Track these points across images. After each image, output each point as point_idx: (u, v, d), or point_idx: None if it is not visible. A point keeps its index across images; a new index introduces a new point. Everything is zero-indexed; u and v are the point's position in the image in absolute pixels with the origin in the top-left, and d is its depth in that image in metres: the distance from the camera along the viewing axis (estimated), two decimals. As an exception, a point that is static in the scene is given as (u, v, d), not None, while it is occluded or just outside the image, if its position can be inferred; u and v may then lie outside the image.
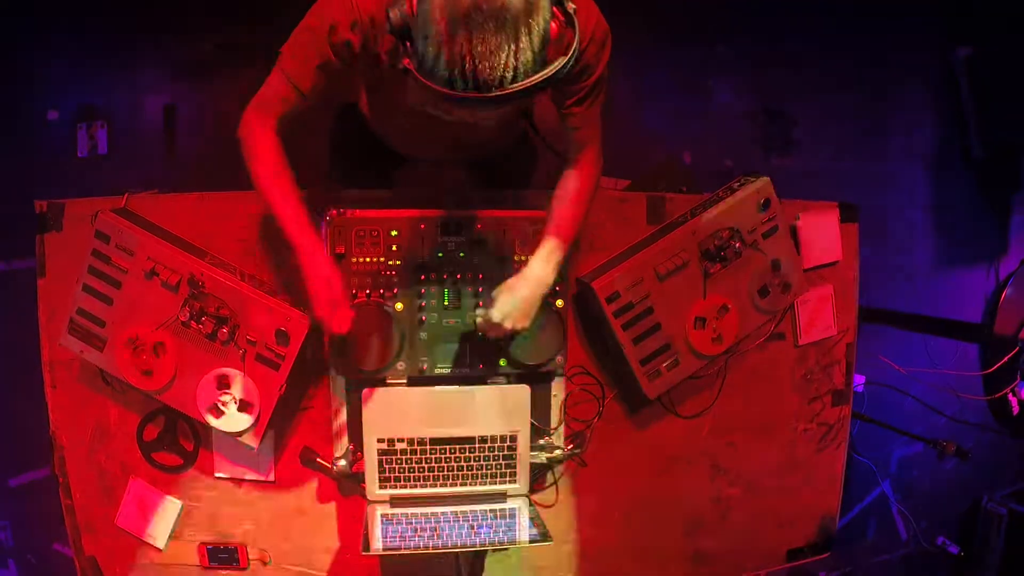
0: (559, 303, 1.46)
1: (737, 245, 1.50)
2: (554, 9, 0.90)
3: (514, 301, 1.28)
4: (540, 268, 1.28)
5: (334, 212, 1.40)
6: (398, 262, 1.42)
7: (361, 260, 1.41)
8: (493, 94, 0.87)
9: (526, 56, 0.86)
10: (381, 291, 1.42)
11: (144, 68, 2.43)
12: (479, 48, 0.84)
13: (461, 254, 1.44)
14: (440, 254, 1.43)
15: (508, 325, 1.28)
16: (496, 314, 1.28)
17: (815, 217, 1.64)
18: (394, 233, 1.41)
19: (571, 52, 0.91)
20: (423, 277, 1.43)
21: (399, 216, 1.42)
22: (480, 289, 1.44)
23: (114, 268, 1.36)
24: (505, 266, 1.44)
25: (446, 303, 1.44)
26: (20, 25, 2.37)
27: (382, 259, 1.41)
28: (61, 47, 2.40)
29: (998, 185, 2.83)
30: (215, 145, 2.36)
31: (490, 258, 1.45)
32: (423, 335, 1.44)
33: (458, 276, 1.44)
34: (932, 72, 2.78)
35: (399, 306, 1.42)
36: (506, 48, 0.85)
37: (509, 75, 0.86)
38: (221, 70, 2.38)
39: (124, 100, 2.43)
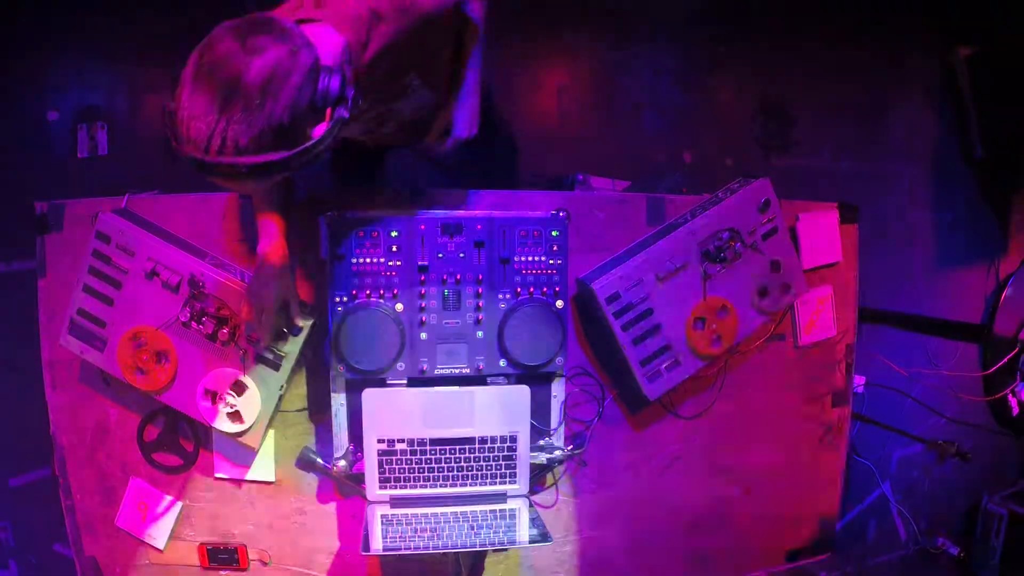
0: (559, 303, 1.46)
1: (737, 246, 1.50)
2: (328, 110, 0.90)
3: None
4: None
5: (334, 212, 1.40)
6: (398, 262, 1.42)
7: (361, 260, 1.41)
8: (206, 159, 0.86)
9: (238, 132, 0.84)
10: (381, 291, 1.42)
11: (144, 68, 2.44)
12: (196, 108, 0.84)
13: (461, 254, 1.44)
14: (440, 254, 1.43)
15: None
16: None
17: (815, 217, 1.64)
18: (394, 233, 1.41)
19: (297, 151, 0.89)
20: (423, 277, 1.43)
21: (399, 216, 1.42)
22: (480, 289, 1.44)
23: (114, 268, 1.36)
24: (505, 266, 1.44)
25: (446, 303, 1.44)
26: (20, 25, 2.37)
27: (382, 259, 1.42)
28: (61, 47, 2.40)
29: (998, 185, 2.82)
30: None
31: (490, 258, 1.45)
32: (423, 335, 1.44)
33: (458, 276, 1.44)
34: (932, 72, 2.78)
35: (399, 306, 1.42)
36: (216, 116, 0.84)
37: (216, 143, 0.85)
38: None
39: (124, 100, 2.43)
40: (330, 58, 0.94)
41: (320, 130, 0.91)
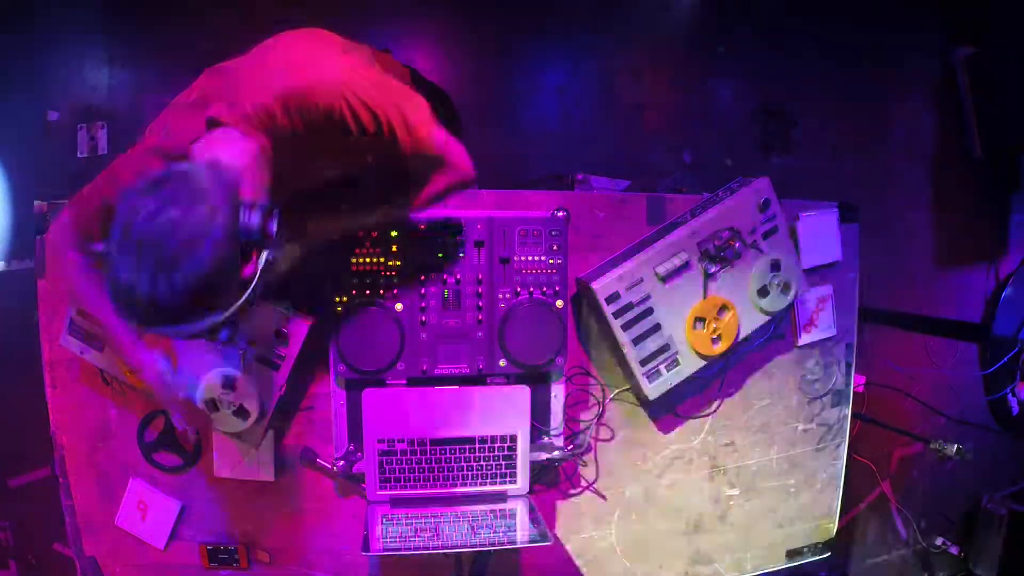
0: (559, 303, 1.46)
1: (737, 245, 1.50)
2: (252, 253, 0.90)
3: None
4: None
5: (334, 212, 1.40)
6: (398, 262, 1.42)
7: (361, 260, 1.41)
8: (146, 325, 0.87)
9: (169, 299, 0.84)
10: (381, 291, 1.42)
11: (144, 68, 2.44)
12: (137, 274, 0.83)
13: (461, 254, 1.44)
14: (440, 254, 1.43)
15: None
16: None
17: (815, 217, 1.64)
18: (394, 233, 1.41)
19: (233, 308, 0.90)
20: (423, 277, 1.43)
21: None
22: (480, 289, 1.44)
23: (114, 268, 1.35)
24: (505, 266, 1.44)
25: (446, 303, 1.44)
26: (20, 25, 2.37)
27: (382, 259, 1.41)
28: (61, 47, 2.40)
29: (998, 185, 2.82)
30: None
31: (490, 258, 1.45)
32: (423, 335, 1.44)
33: (458, 276, 1.44)
34: (932, 72, 2.78)
35: (399, 306, 1.42)
36: (150, 278, 0.83)
37: (151, 312, 0.85)
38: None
39: (124, 100, 2.43)
40: (248, 186, 0.93)
41: (248, 271, 0.91)
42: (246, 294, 0.91)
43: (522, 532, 1.39)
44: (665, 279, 1.47)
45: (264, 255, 0.92)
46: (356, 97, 1.01)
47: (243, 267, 0.91)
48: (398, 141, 1.06)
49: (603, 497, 1.63)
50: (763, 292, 1.54)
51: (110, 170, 1.11)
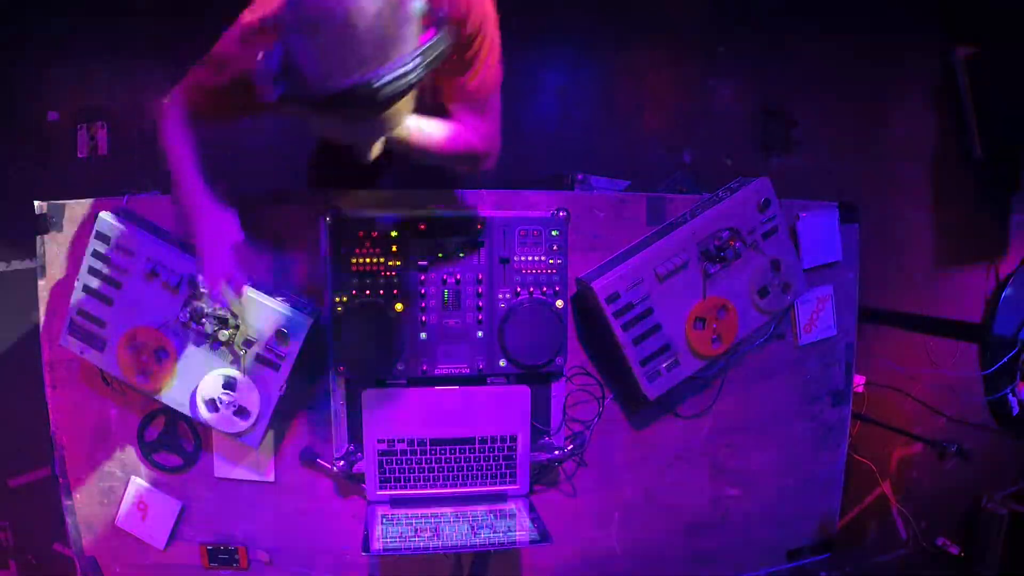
0: (559, 303, 1.46)
1: (737, 245, 1.50)
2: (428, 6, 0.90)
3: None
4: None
5: (334, 212, 1.40)
6: (398, 262, 1.42)
7: (361, 260, 1.41)
8: (367, 92, 0.86)
9: (366, 55, 0.85)
10: (381, 291, 1.42)
11: (144, 68, 2.43)
12: (321, 48, 0.84)
13: (461, 254, 1.44)
14: (440, 254, 1.43)
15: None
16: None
17: (815, 217, 1.64)
18: (394, 233, 1.41)
19: (421, 50, 0.89)
20: (423, 277, 1.43)
21: (399, 216, 1.42)
22: (480, 289, 1.44)
23: (114, 268, 1.36)
24: (505, 266, 1.44)
25: (446, 303, 1.44)
26: (20, 25, 2.37)
27: (382, 259, 1.41)
28: (61, 47, 2.40)
29: (998, 185, 2.82)
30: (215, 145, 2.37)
31: (490, 258, 1.45)
32: (423, 335, 1.44)
33: (458, 276, 1.44)
34: (932, 72, 2.78)
35: (399, 306, 1.42)
36: (344, 47, 0.84)
37: (353, 71, 0.85)
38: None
39: (124, 100, 2.43)
40: None
41: (428, 37, 0.91)
42: (431, 52, 0.90)
43: (522, 532, 1.39)
44: (665, 279, 1.47)
45: (441, 33, 0.92)
46: (490, 18, 1.10)
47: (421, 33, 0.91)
48: (471, 72, 1.13)
49: (603, 497, 1.63)
50: (763, 292, 1.54)
51: (213, 55, 1.14)
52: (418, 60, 0.89)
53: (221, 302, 1.32)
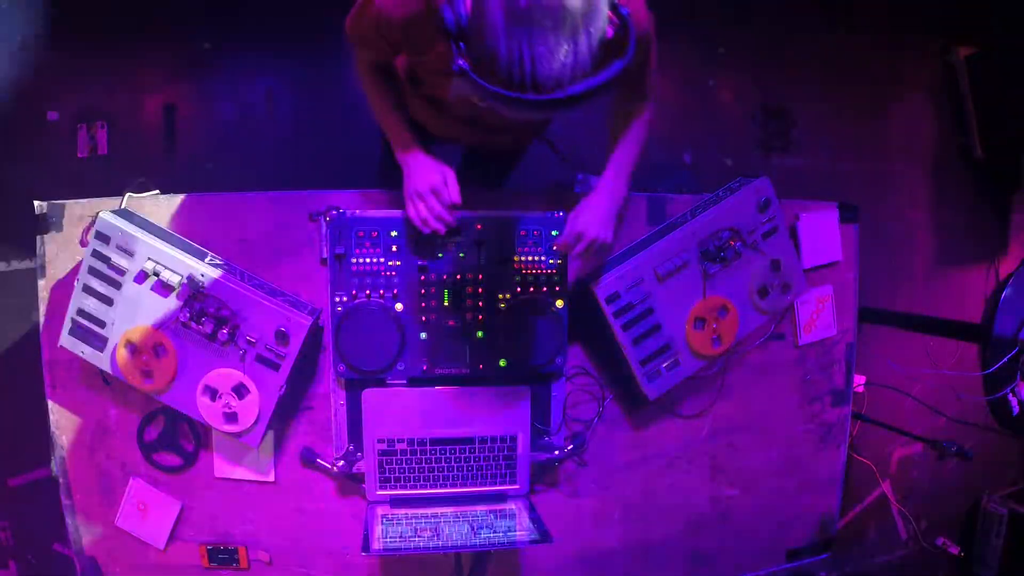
0: (559, 303, 1.46)
1: (737, 245, 1.50)
2: (609, 13, 0.88)
3: (592, 211, 1.33)
4: (612, 180, 1.36)
5: (334, 212, 1.40)
6: (398, 262, 1.42)
7: (361, 260, 1.41)
8: (549, 96, 0.86)
9: (583, 58, 0.85)
10: (381, 291, 1.42)
11: (144, 68, 2.43)
12: (539, 48, 0.83)
13: (461, 254, 1.44)
14: (440, 254, 1.43)
15: (591, 234, 1.32)
16: (578, 223, 1.32)
17: (815, 217, 1.64)
18: (394, 233, 1.41)
19: (626, 55, 0.89)
20: (423, 277, 1.43)
21: (399, 216, 1.42)
22: (480, 289, 1.44)
23: (114, 268, 1.36)
24: (505, 266, 1.44)
25: (446, 303, 1.44)
26: (20, 25, 2.37)
27: (382, 259, 1.42)
28: (61, 47, 2.40)
29: (998, 185, 2.83)
30: (215, 145, 2.37)
31: (490, 258, 1.45)
32: (423, 335, 1.44)
33: (458, 276, 1.44)
34: (932, 72, 2.78)
35: (399, 306, 1.42)
36: (564, 47, 0.83)
37: (567, 76, 0.85)
38: (221, 70, 2.39)
39: (124, 100, 2.43)
40: None
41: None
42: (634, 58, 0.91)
43: (522, 532, 1.39)
44: (665, 279, 1.47)
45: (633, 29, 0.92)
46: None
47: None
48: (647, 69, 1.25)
49: (603, 497, 1.63)
50: (763, 292, 1.54)
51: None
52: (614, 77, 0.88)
53: (434, 222, 1.33)
